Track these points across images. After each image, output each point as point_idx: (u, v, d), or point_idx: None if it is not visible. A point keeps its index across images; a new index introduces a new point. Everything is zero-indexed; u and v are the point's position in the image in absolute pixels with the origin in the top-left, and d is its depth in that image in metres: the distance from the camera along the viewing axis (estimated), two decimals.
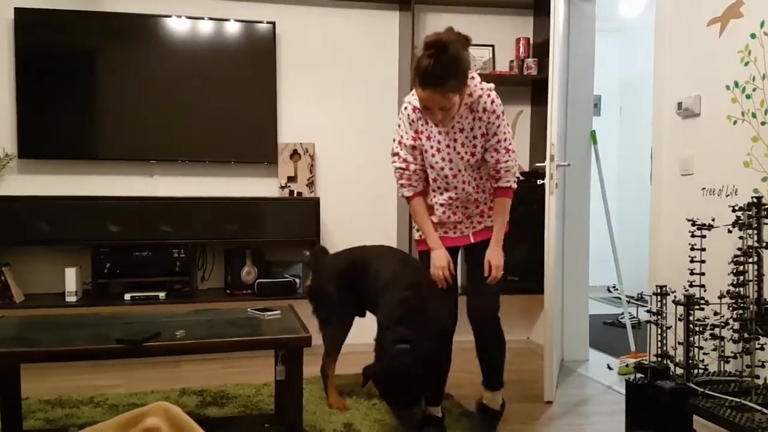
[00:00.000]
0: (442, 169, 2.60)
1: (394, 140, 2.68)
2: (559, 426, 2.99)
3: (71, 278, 3.73)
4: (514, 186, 2.65)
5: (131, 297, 3.76)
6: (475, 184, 2.65)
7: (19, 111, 3.79)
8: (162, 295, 3.81)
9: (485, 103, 2.51)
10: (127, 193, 3.94)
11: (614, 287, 6.14)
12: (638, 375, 2.55)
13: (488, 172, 2.65)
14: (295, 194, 4.16)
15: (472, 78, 2.50)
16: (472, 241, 2.74)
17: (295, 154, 4.19)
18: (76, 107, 3.85)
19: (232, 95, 4.04)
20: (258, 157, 4.11)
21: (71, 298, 3.71)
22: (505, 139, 2.56)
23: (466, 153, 2.56)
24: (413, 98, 2.54)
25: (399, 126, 2.65)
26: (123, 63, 3.89)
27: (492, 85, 2.57)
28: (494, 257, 2.65)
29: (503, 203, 2.66)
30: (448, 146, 2.56)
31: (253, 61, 4.06)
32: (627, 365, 3.78)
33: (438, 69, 2.27)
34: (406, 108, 2.60)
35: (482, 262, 2.67)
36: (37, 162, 3.88)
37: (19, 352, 2.22)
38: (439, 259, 2.64)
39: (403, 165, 2.65)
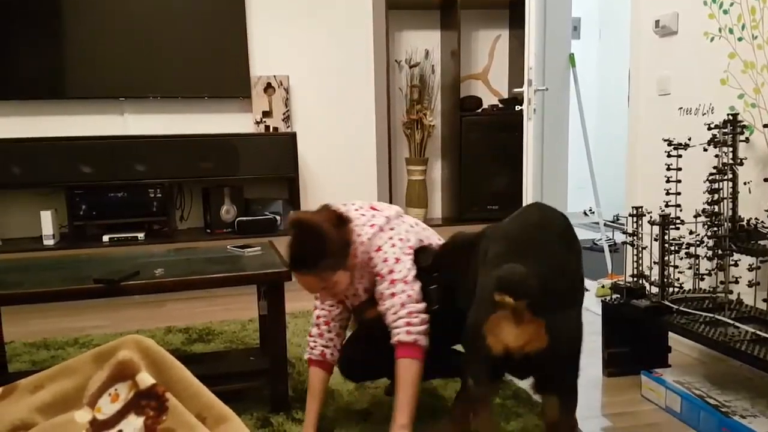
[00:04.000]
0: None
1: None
2: None
3: (47, 221, 3.69)
4: (421, 343, 1.89)
5: (109, 238, 3.73)
6: None
7: None
8: (141, 235, 3.78)
9: (375, 266, 2.00)
10: (98, 133, 3.86)
11: (591, 210, 6.19)
12: (614, 295, 2.59)
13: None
14: (271, 129, 4.10)
15: (360, 237, 2.01)
16: None
17: (269, 88, 4.10)
18: (40, 45, 3.71)
19: (201, 27, 3.92)
20: (231, 91, 4.02)
21: (49, 242, 3.68)
22: (392, 283, 1.95)
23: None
24: None
25: None
26: None
27: (389, 239, 2.01)
28: None
29: (404, 367, 1.88)
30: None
31: None
32: (603, 286, 3.85)
33: (300, 252, 1.93)
34: None
35: None
36: (2, 103, 3.77)
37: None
38: None
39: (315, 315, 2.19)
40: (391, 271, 1.95)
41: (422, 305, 1.94)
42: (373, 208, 2.11)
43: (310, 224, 1.95)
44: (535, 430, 2.18)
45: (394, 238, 2.01)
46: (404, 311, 1.91)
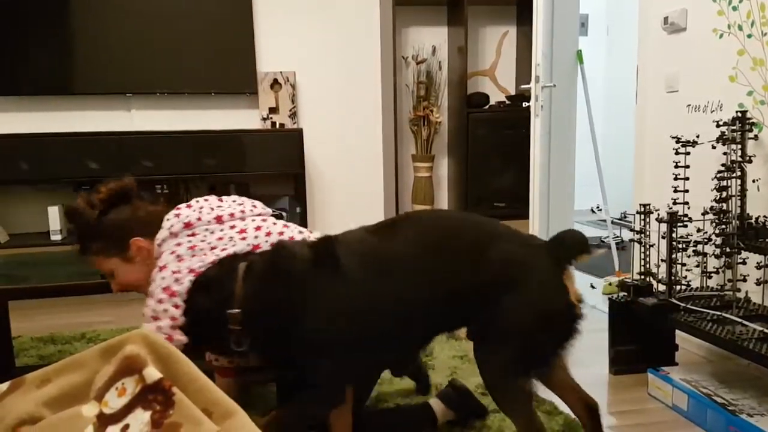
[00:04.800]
0: None
1: None
2: None
3: (54, 217, 3.70)
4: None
5: None
6: None
7: None
8: None
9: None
10: (105, 129, 3.86)
11: (598, 208, 6.16)
12: (621, 293, 2.58)
13: None
14: (278, 126, 4.10)
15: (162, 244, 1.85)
16: None
17: (275, 84, 4.10)
18: (48, 41, 3.72)
19: (209, 23, 3.92)
20: (238, 87, 4.03)
21: (56, 237, 3.70)
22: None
23: None
24: None
25: None
26: None
27: (172, 252, 1.81)
28: None
29: None
30: None
31: None
32: (610, 284, 3.83)
33: (78, 234, 1.94)
34: None
35: None
36: (10, 99, 3.78)
37: (7, 290, 2.22)
38: None
39: None
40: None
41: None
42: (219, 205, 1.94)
43: (77, 213, 1.92)
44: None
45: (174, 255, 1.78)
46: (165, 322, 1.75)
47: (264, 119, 4.09)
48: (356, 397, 1.85)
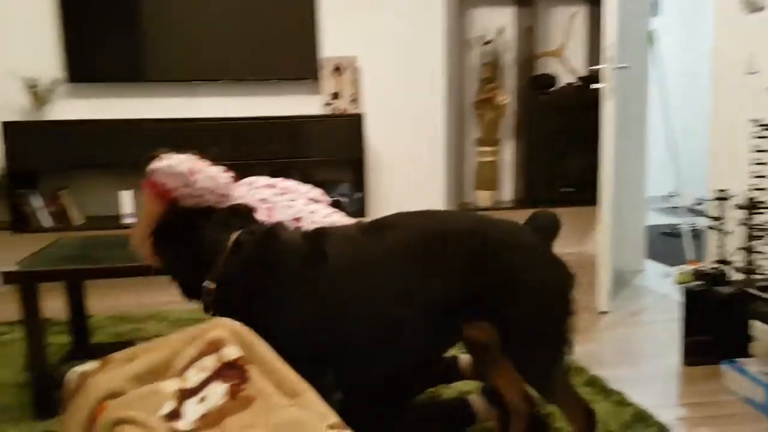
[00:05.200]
0: None
1: None
2: (614, 335, 2.97)
3: (126, 200, 3.82)
4: None
5: None
6: None
7: (67, 35, 3.79)
8: None
9: None
10: (173, 115, 3.96)
11: (673, 194, 5.95)
12: (696, 282, 2.49)
13: None
14: (339, 111, 4.11)
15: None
16: None
17: (337, 69, 4.11)
18: (120, 29, 3.84)
19: (272, 10, 3.95)
20: (300, 73, 4.05)
21: (128, 220, 3.82)
22: None
23: None
24: None
25: None
26: None
27: None
28: None
29: None
30: None
31: None
32: (684, 273, 3.70)
33: None
34: None
35: None
36: (85, 86, 3.92)
37: (83, 270, 2.30)
38: None
39: None
40: None
41: None
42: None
43: None
44: (609, 416, 2.12)
45: None
46: None
47: (326, 105, 4.10)
48: (398, 392, 1.85)
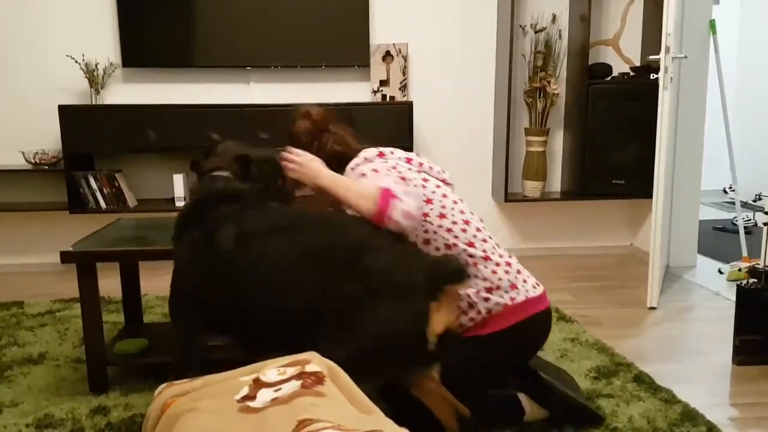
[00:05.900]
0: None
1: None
2: (662, 331, 2.91)
3: (179, 184, 3.90)
4: None
5: None
6: None
7: (122, 21, 3.88)
8: None
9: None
10: (226, 101, 4.01)
11: (731, 188, 5.79)
12: (751, 279, 2.41)
13: None
14: (388, 98, 4.10)
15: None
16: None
17: (387, 56, 4.10)
18: (174, 16, 3.90)
19: None
20: (350, 59, 4.05)
21: (180, 203, 3.90)
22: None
23: None
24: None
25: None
26: None
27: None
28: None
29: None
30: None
31: None
32: (739, 270, 3.59)
33: None
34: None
35: None
36: (139, 70, 4.00)
37: (136, 251, 2.37)
38: None
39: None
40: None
41: None
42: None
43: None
44: (657, 414, 2.08)
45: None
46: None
47: (374, 92, 4.10)
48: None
